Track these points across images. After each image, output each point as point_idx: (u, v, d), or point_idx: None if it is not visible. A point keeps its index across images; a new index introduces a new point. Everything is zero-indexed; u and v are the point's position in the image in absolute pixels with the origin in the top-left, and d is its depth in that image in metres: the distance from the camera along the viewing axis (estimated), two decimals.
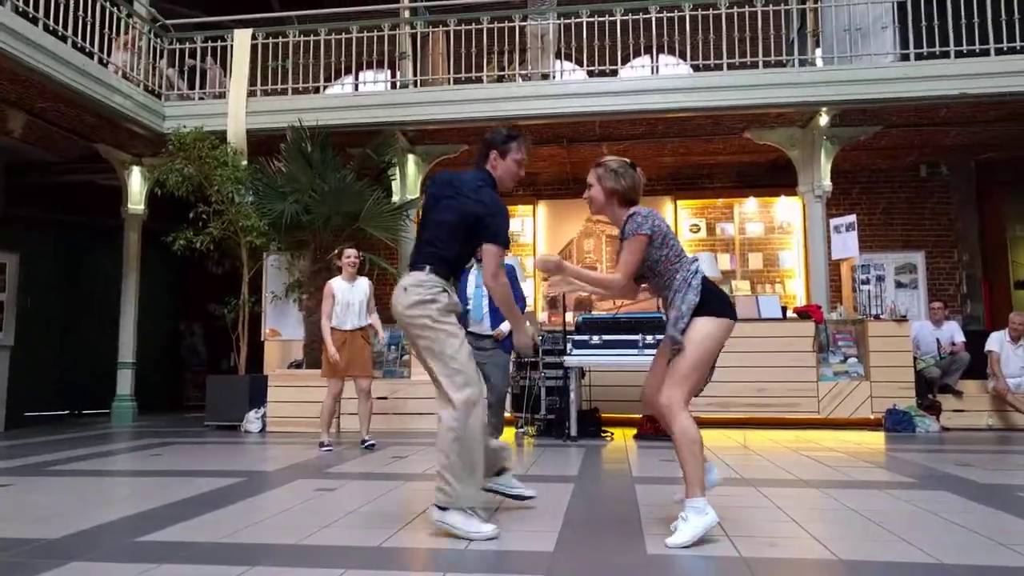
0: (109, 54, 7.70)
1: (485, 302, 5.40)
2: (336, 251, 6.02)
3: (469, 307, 5.39)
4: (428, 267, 2.94)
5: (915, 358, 7.53)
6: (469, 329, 5.39)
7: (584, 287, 3.08)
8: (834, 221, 8.29)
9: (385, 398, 7.15)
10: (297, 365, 8.08)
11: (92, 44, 7.35)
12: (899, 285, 9.65)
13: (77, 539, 2.80)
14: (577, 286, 3.05)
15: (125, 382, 8.86)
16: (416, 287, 2.91)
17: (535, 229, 10.62)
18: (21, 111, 7.59)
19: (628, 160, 3.05)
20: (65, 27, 6.96)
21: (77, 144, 8.63)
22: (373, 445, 5.68)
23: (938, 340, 7.80)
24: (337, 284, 5.90)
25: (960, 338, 7.78)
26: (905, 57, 7.72)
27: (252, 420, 7.35)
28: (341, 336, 5.82)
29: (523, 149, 3.16)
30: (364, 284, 6.00)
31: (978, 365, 7.53)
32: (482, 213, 2.94)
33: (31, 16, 6.55)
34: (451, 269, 3.03)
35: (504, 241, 2.95)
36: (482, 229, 2.94)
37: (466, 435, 2.86)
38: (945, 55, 7.54)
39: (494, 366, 5.25)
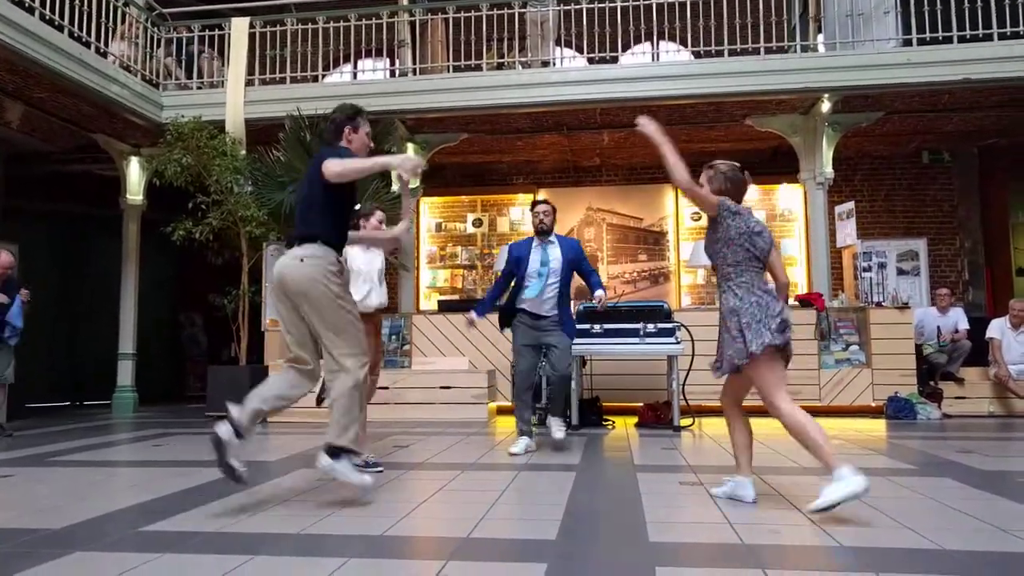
0: (106, 43, 7.65)
1: (549, 281, 4.81)
2: (360, 208, 4.50)
3: (528, 284, 4.86)
4: (319, 240, 3.20)
5: (918, 346, 7.53)
6: (523, 307, 4.88)
7: (664, 153, 3.38)
8: (838, 208, 8.28)
9: (386, 388, 7.15)
10: None
11: (89, 33, 7.30)
12: (901, 272, 9.64)
13: (80, 529, 2.81)
14: (659, 143, 3.39)
15: (126, 373, 8.87)
16: (312, 258, 3.16)
17: None
18: (19, 101, 7.55)
19: (738, 164, 3.37)
20: (62, 16, 6.91)
21: (75, 134, 8.60)
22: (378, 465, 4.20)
23: (938, 327, 7.78)
24: (355, 252, 4.44)
25: (964, 325, 7.75)
26: (908, 42, 7.67)
27: None
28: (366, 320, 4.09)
29: (367, 122, 3.51)
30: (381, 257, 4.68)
31: (979, 352, 7.53)
32: (320, 160, 3.22)
33: (28, 5, 6.51)
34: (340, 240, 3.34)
35: (336, 156, 3.22)
36: (321, 167, 3.17)
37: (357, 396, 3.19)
38: (948, 40, 7.49)
39: (558, 349, 4.81)
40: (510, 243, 5.45)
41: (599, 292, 4.91)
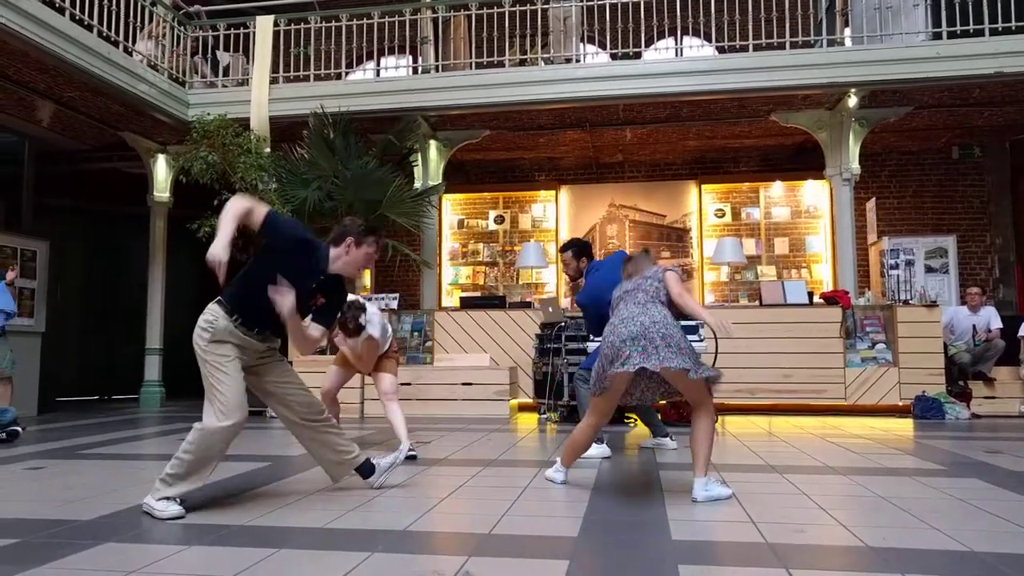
0: (134, 43, 7.77)
1: None
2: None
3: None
4: (218, 298, 3.13)
5: (946, 344, 7.41)
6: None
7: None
8: (870, 204, 8.17)
9: (408, 384, 7.19)
10: (321, 351, 8.14)
11: (117, 33, 7.41)
12: (929, 270, 9.47)
13: (109, 520, 2.86)
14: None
15: (153, 368, 9.01)
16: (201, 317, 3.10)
17: (557, 214, 10.57)
18: (49, 100, 7.69)
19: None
20: (91, 16, 7.02)
21: (103, 132, 8.74)
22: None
23: (974, 326, 7.65)
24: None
25: (997, 324, 7.62)
26: (937, 35, 7.53)
27: None
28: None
29: (377, 244, 3.26)
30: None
31: (1010, 351, 7.39)
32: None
33: (58, 5, 6.62)
34: (238, 303, 3.11)
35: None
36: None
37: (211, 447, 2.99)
38: (979, 33, 7.34)
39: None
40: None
41: None
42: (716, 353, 6.57)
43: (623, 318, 3.25)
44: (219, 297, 3.12)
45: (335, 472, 3.40)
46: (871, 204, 8.59)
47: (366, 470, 3.41)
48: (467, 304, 8.29)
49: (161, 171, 9.21)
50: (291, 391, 3.31)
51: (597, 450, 4.49)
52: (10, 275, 6.67)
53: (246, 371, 3.13)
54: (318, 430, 3.33)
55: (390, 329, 4.85)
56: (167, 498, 2.90)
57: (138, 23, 7.85)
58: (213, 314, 3.08)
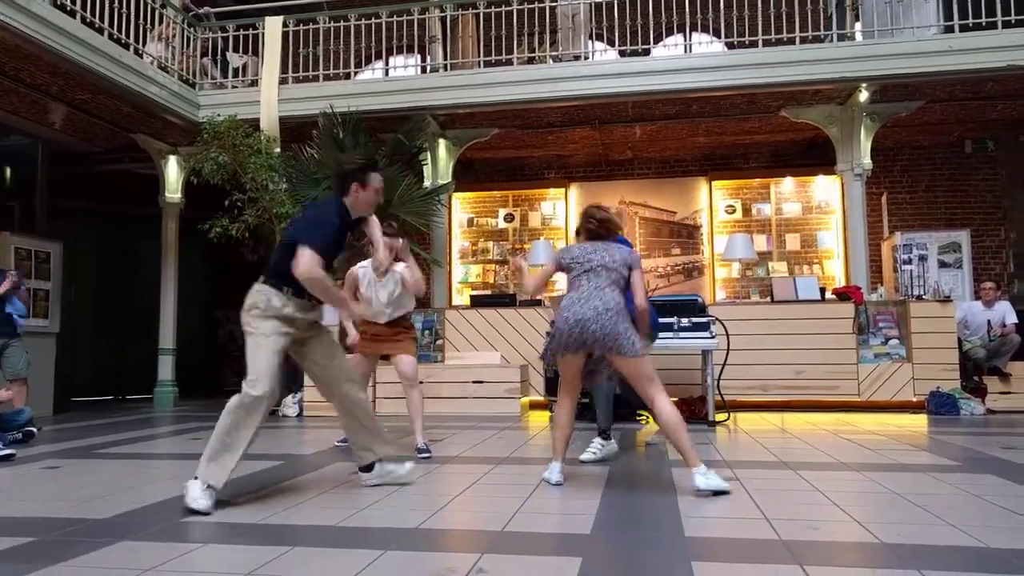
0: (144, 45, 7.81)
1: None
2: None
3: None
4: (261, 278, 3.29)
5: (960, 340, 7.35)
6: None
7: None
8: (882, 199, 8.12)
9: (420, 382, 7.19)
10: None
11: (128, 35, 7.46)
12: (943, 265, 9.39)
13: (125, 519, 2.88)
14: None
15: (166, 368, 9.06)
16: (249, 296, 3.28)
17: (567, 212, 10.55)
18: (61, 103, 7.75)
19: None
20: (101, 19, 7.07)
21: (115, 134, 8.80)
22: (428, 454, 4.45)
23: (989, 321, 7.57)
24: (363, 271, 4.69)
25: (1012, 319, 7.54)
26: (949, 29, 7.47)
27: (289, 405, 7.47)
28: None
29: (378, 175, 3.43)
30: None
31: None
32: (295, 226, 3.32)
33: (69, 9, 6.67)
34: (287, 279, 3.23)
35: (310, 241, 3.14)
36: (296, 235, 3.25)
37: (238, 421, 3.13)
38: (992, 26, 7.27)
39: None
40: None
41: None
42: (728, 350, 6.57)
43: (583, 297, 3.52)
44: (262, 278, 3.28)
45: (381, 445, 3.50)
46: (883, 199, 8.54)
47: (368, 467, 3.48)
48: (477, 302, 8.30)
49: (172, 172, 9.27)
50: (337, 372, 3.48)
51: (608, 448, 4.48)
52: (10, 278, 6.39)
53: (297, 343, 3.33)
54: (359, 408, 3.49)
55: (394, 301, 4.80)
56: (209, 487, 2.99)
57: (148, 25, 7.90)
58: (264, 294, 3.24)
